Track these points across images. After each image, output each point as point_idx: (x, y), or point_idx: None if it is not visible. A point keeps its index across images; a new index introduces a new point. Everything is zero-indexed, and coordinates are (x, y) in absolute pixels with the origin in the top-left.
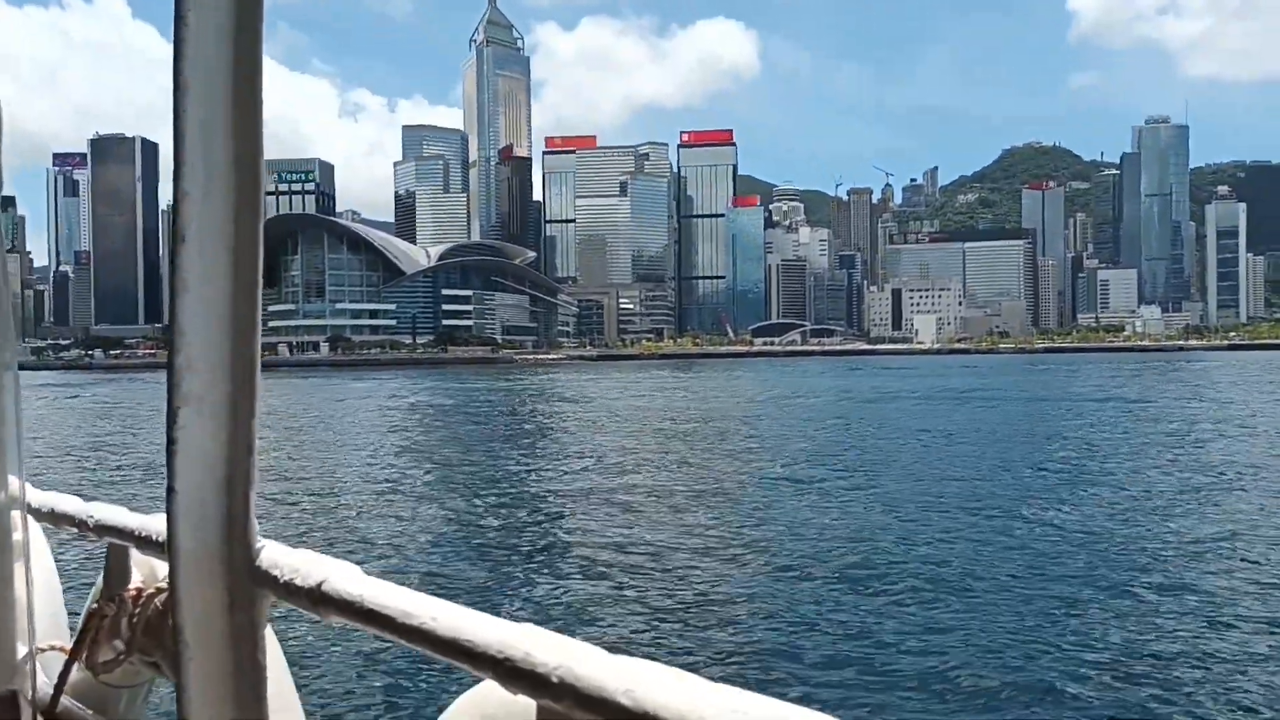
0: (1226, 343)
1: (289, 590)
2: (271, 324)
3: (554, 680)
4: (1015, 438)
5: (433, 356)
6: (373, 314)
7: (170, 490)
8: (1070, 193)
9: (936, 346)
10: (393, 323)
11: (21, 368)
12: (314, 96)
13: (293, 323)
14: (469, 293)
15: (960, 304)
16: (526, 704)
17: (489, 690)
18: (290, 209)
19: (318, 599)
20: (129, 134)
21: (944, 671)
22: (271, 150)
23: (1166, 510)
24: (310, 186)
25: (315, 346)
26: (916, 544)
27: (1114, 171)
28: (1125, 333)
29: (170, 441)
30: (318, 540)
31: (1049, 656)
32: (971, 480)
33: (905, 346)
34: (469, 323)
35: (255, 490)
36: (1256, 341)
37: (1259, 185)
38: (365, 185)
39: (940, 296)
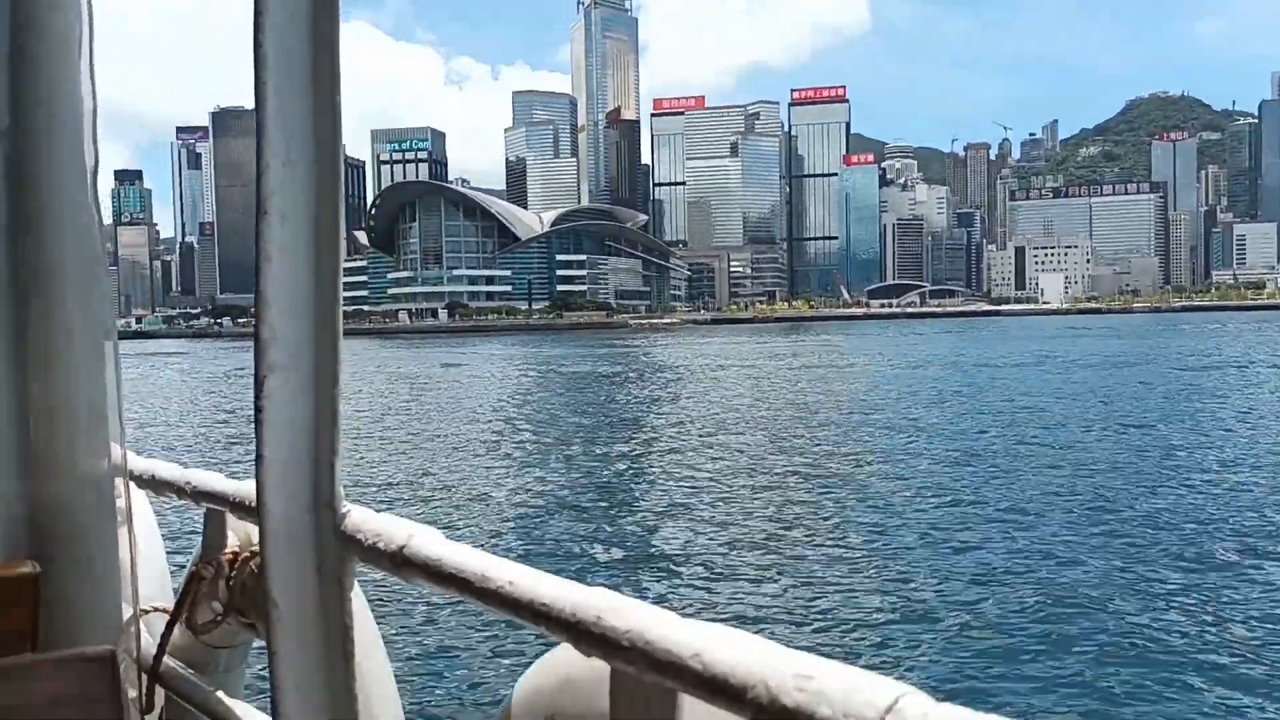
0: None
1: (373, 554)
2: (391, 291)
3: (625, 644)
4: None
5: (549, 322)
6: (489, 280)
7: (259, 457)
8: (1201, 144)
9: (1065, 306)
10: (508, 289)
11: (153, 336)
12: (420, 66)
13: (411, 290)
14: (582, 257)
15: (1088, 262)
16: (601, 666)
17: (566, 653)
18: (404, 177)
19: (400, 562)
20: (249, 106)
21: (1045, 661)
22: (380, 121)
23: None
24: (423, 155)
25: (434, 313)
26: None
27: (1251, 120)
28: (1267, 290)
29: (258, 410)
30: (424, 505)
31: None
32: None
33: (1032, 307)
34: (583, 288)
35: (340, 456)
36: None
37: None
38: (472, 153)
39: (1066, 254)
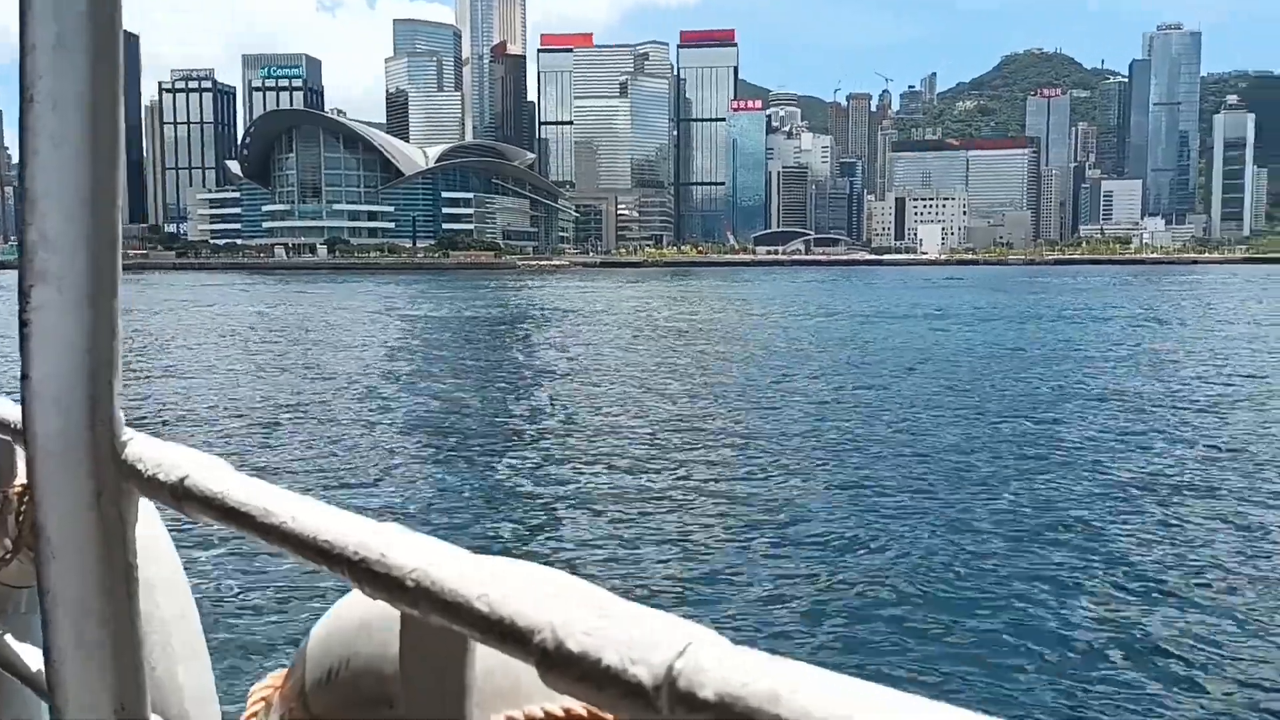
0: (1241, 256)
1: (152, 485)
2: (266, 225)
3: (409, 584)
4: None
5: (434, 261)
6: (371, 216)
7: (24, 377)
8: (1072, 101)
9: (943, 257)
10: (391, 225)
11: (11, 267)
12: None
13: (288, 224)
14: (469, 195)
15: (964, 213)
16: (393, 612)
17: (359, 597)
18: (277, 105)
19: (181, 495)
20: None
21: (909, 614)
22: (249, 46)
23: None
24: (297, 83)
25: (312, 249)
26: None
27: (1120, 79)
28: (1132, 245)
29: (23, 324)
30: (268, 450)
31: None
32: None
33: (912, 257)
34: (469, 227)
35: (120, 375)
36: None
37: (1261, 97)
38: (348, 83)
39: (944, 206)
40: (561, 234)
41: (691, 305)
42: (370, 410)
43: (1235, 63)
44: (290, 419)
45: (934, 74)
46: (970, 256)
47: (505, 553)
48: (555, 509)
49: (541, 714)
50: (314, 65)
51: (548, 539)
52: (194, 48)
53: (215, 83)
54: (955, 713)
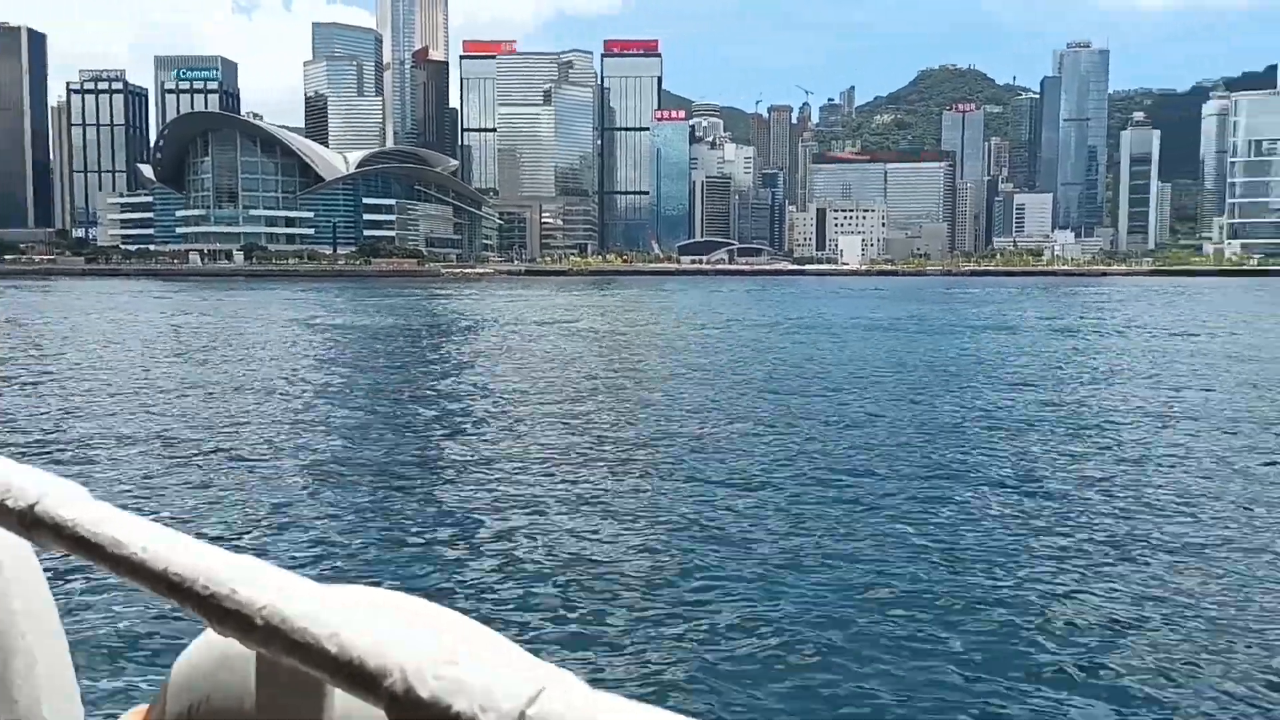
0: (1148, 269)
1: (1, 511)
2: (180, 230)
3: (259, 622)
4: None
5: (356, 268)
6: (289, 222)
7: None
8: (986, 116)
9: (864, 268)
10: (311, 232)
11: None
12: None
13: (203, 229)
14: (391, 202)
15: (883, 225)
16: (248, 651)
17: (215, 635)
18: (192, 108)
19: (30, 522)
20: (13, 23)
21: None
22: (162, 46)
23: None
24: (213, 85)
25: (228, 255)
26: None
27: (1031, 95)
28: (1044, 257)
29: None
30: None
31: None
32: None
33: (833, 267)
34: (391, 233)
35: None
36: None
37: (1165, 115)
38: (264, 86)
39: (864, 217)
40: (485, 241)
41: (618, 314)
42: (275, 431)
43: (1141, 80)
44: (188, 441)
45: (852, 87)
46: (890, 267)
47: (395, 577)
48: (452, 531)
49: None
50: (230, 68)
51: (438, 563)
52: (104, 47)
53: (126, 84)
54: None
